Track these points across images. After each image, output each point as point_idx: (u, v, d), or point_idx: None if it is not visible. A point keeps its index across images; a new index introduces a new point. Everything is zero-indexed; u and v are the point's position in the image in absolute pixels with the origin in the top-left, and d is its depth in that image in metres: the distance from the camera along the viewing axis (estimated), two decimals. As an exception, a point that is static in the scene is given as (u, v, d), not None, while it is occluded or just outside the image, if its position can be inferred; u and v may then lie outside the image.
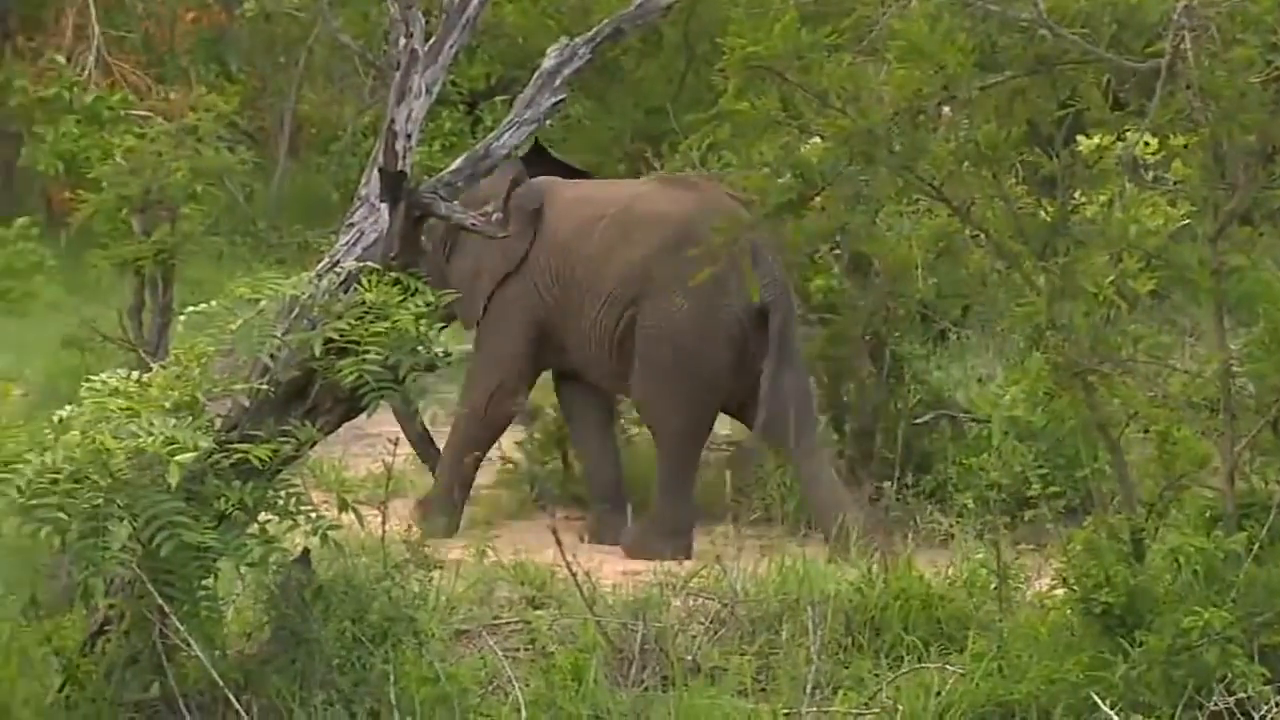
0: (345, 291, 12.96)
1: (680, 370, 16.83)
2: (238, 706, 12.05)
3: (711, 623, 14.59)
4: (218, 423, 12.42)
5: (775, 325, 16.27)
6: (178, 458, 11.69)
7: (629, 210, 17.53)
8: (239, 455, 12.32)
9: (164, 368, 12.82)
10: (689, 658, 13.86)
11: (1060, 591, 14.05)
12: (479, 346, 19.14)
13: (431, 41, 13.90)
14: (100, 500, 11.85)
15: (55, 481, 11.81)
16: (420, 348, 12.85)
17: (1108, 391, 14.28)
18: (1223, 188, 14.02)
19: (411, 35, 13.79)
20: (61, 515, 11.76)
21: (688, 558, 18.44)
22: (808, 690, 13.30)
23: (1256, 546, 13.04)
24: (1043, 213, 14.90)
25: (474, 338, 19.14)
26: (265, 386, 12.70)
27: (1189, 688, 12.57)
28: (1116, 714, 12.26)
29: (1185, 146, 14.47)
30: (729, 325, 15.40)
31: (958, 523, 15.70)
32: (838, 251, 17.06)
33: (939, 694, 13.45)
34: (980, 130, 14.97)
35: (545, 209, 18.55)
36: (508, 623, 14.38)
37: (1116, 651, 13.00)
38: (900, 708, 13.18)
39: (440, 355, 13.34)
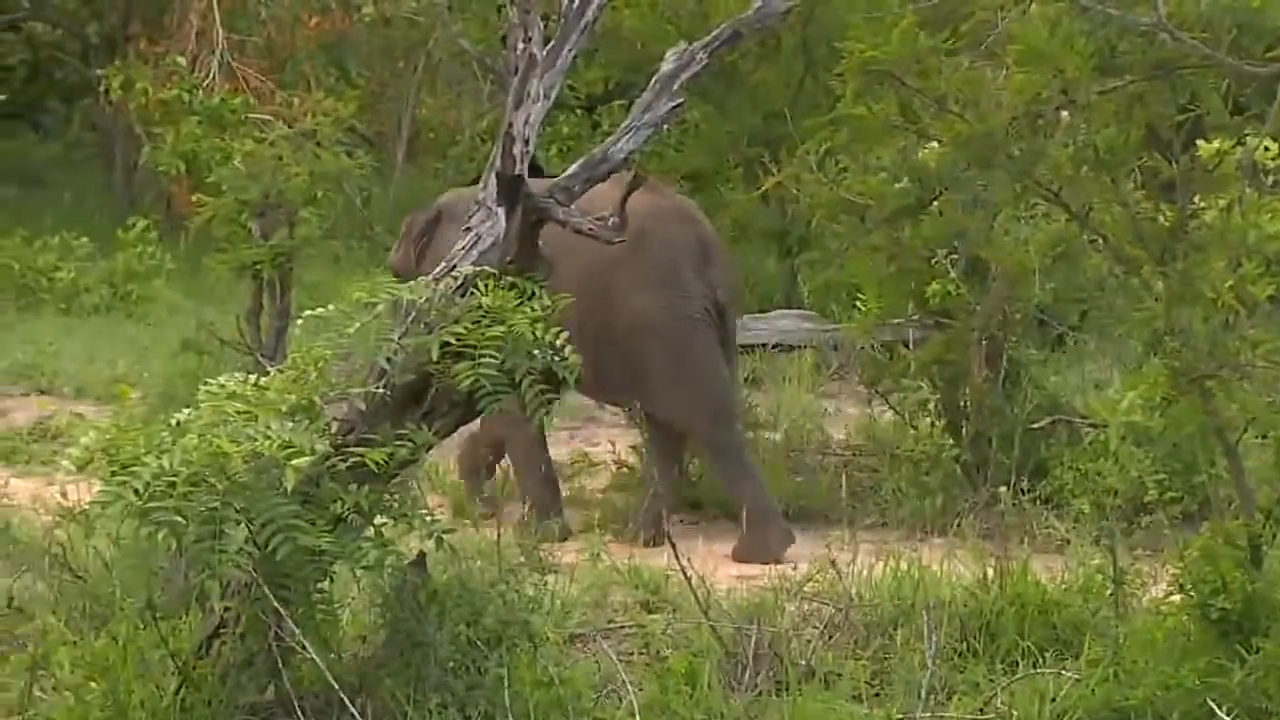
0: (462, 296, 12.90)
1: (672, 363, 16.83)
2: (352, 710, 12.05)
3: (826, 627, 14.57)
4: (334, 426, 12.39)
5: (729, 323, 16.25)
6: (294, 461, 11.69)
7: (589, 211, 17.58)
8: (355, 459, 12.26)
9: (281, 372, 12.81)
10: (803, 662, 13.85)
11: (1177, 597, 14.01)
12: None
13: (550, 46, 13.83)
14: (217, 503, 11.80)
15: (173, 485, 11.75)
16: (536, 352, 12.84)
17: (1226, 397, 14.18)
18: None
19: (530, 40, 13.69)
20: (178, 518, 11.77)
21: (790, 540, 18.57)
22: (922, 695, 13.29)
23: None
24: (1161, 218, 14.81)
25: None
26: (381, 390, 12.71)
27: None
28: (1234, 719, 12.25)
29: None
30: (700, 315, 15.41)
31: (1074, 528, 15.68)
32: (955, 256, 17.03)
33: (1054, 700, 13.43)
34: (1099, 135, 14.92)
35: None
36: (622, 627, 14.38)
37: (1233, 658, 12.97)
38: (1015, 713, 13.17)
39: (559, 360, 13.35)
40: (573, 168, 14.26)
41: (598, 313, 16.79)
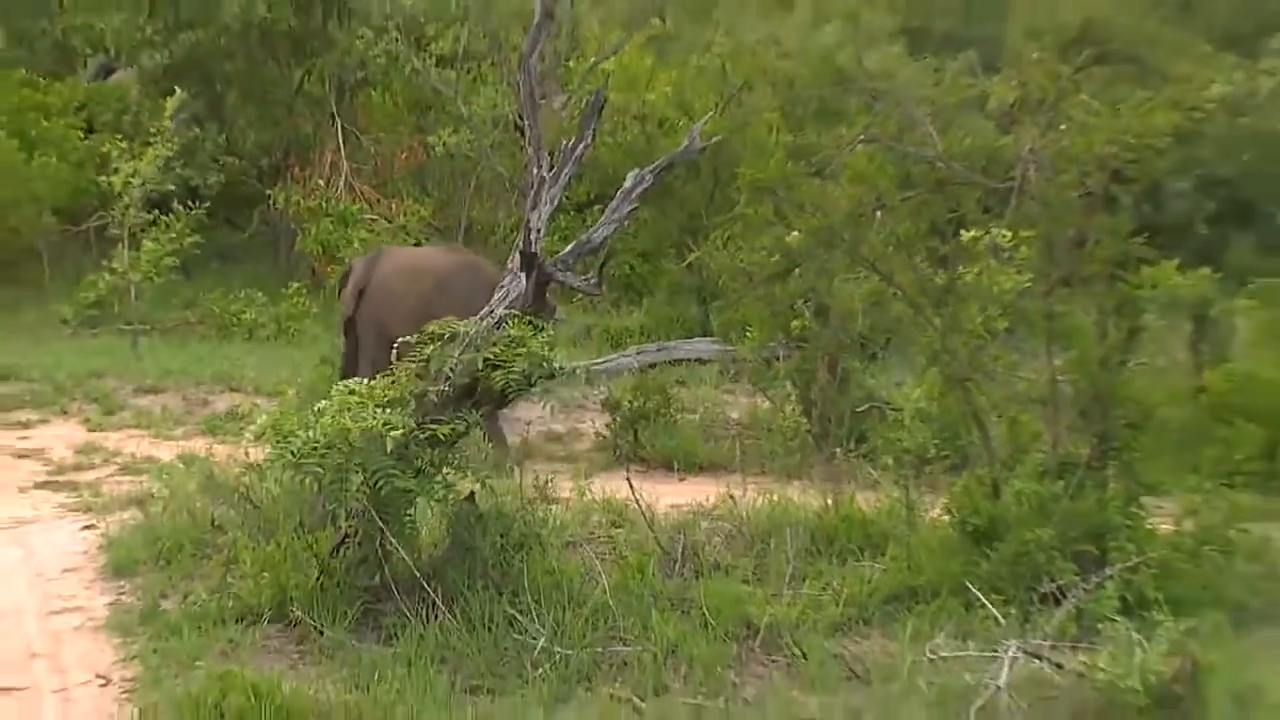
0: (498, 328, 13.40)
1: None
2: (427, 589, 12.29)
3: (726, 537, 14.66)
4: (417, 411, 12.71)
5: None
6: (392, 433, 12.22)
7: (412, 264, 17.91)
8: (430, 432, 12.76)
9: (383, 378, 13.14)
10: (712, 559, 13.94)
11: (946, 518, 14.20)
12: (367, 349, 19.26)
13: (553, 171, 14.22)
14: (342, 460, 12.29)
15: (315, 449, 12.30)
16: (544, 364, 13.10)
17: (978, 392, 14.54)
18: (1051, 263, 14.28)
19: (540, 168, 14.20)
20: (319, 469, 12.26)
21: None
22: (787, 579, 13.37)
23: (1070, 490, 13.21)
24: (938, 279, 15.12)
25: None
26: (445, 389, 12.95)
27: (1027, 578, 12.68)
28: (981, 594, 12.38)
29: (1028, 237, 14.67)
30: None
31: (882, 475, 15.73)
32: (808, 303, 17.10)
33: (869, 581, 13.55)
34: (900, 227, 15.38)
35: (378, 263, 18.77)
36: (598, 538, 14.44)
37: (981, 557, 13.18)
38: (845, 590, 13.23)
39: (559, 369, 13.61)
40: (568, 248, 14.79)
41: (425, 322, 17.10)
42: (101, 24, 29.62)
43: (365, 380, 13.17)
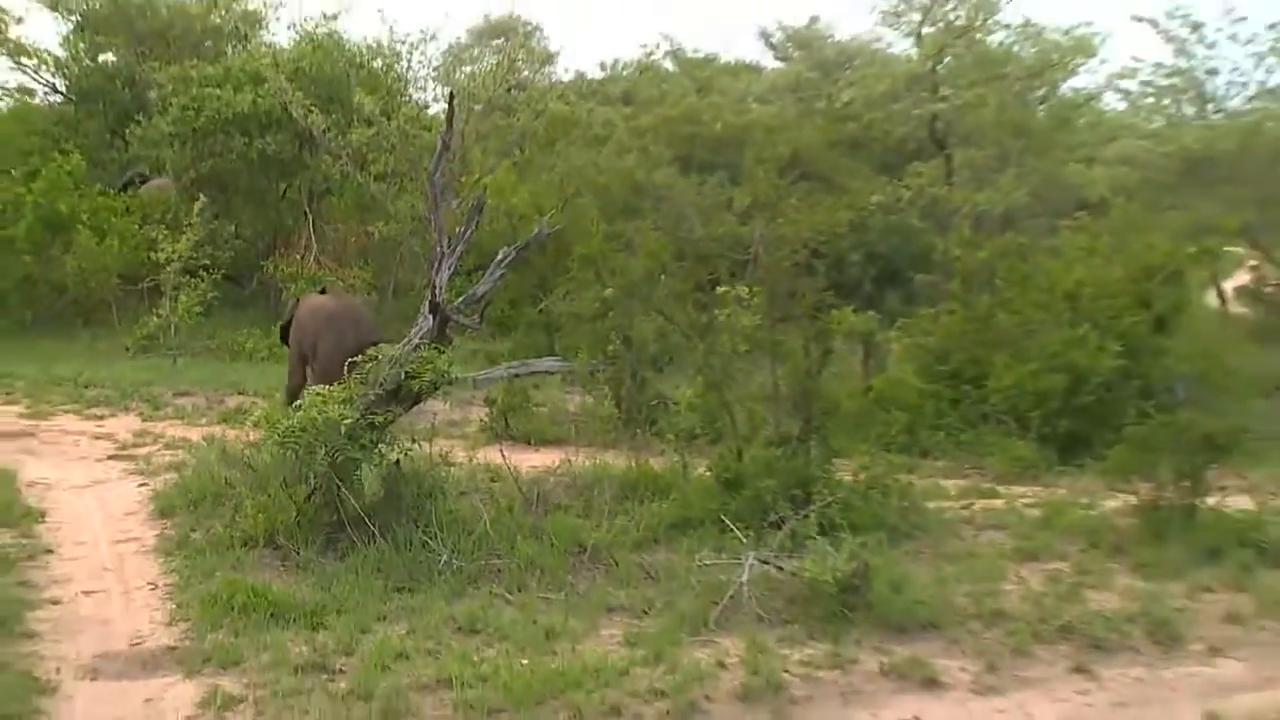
0: (414, 351, 13.30)
1: (330, 365, 16.80)
2: (369, 524, 12.15)
3: (566, 488, 14.54)
4: (362, 407, 12.64)
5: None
6: (344, 422, 12.22)
7: (316, 308, 17.80)
8: (370, 420, 12.66)
9: (339, 386, 13.17)
10: (556, 502, 13.85)
11: (708, 473, 14.17)
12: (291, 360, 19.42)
13: (450, 248, 14.14)
14: (311, 439, 12.24)
15: (294, 432, 12.29)
16: (445, 375, 13.08)
17: (728, 391, 14.60)
18: (774, 308, 14.39)
19: (442, 246, 14.13)
20: (296, 445, 12.30)
21: None
22: (605, 514, 13.34)
23: (787, 455, 13.46)
24: (702, 319, 15.20)
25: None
26: (380, 391, 12.93)
27: (759, 513, 12.71)
28: (731, 524, 12.39)
29: (759, 291, 14.79)
30: (351, 351, 15.40)
31: (666, 446, 15.65)
32: (618, 335, 17.00)
33: (658, 515, 13.54)
34: (676, 285, 15.51)
35: (299, 306, 18.90)
36: (481, 489, 14.29)
37: (730, 498, 13.21)
38: (643, 521, 13.24)
39: (455, 378, 13.57)
40: (460, 299, 14.79)
41: (316, 344, 16.93)
42: (158, 154, 29.50)
43: (310, 385, 13.38)
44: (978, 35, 29.06)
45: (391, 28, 33.51)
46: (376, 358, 13.42)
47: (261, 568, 11.93)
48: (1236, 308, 28.97)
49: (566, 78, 34.58)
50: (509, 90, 31.10)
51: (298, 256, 29.66)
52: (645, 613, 11.14)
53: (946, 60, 28.36)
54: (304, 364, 18.66)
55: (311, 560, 12.07)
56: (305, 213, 29.72)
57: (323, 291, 20.08)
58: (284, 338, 19.46)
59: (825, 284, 15.75)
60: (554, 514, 13.74)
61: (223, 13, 33.11)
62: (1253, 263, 28.99)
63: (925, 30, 29.08)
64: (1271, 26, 28.88)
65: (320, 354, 17.83)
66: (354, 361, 14.80)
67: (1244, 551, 12.79)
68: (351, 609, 10.89)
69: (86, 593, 11.60)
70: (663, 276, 17.11)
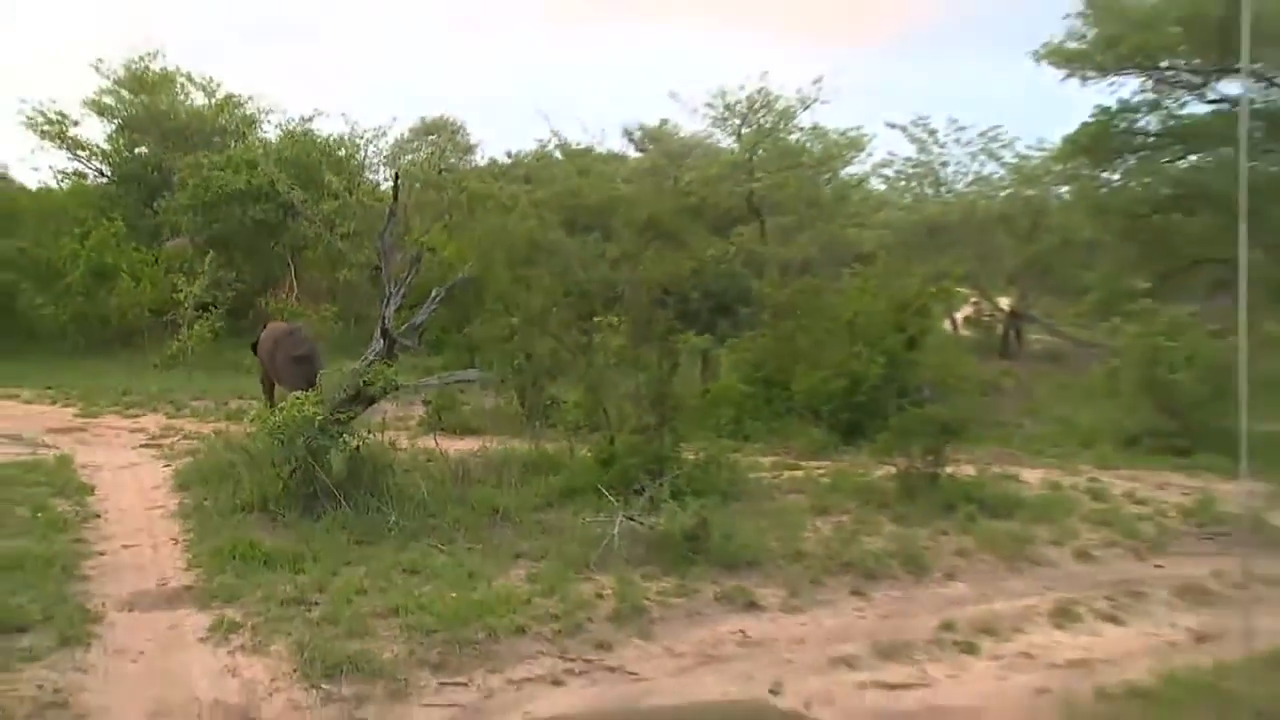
0: (368, 366, 13.07)
1: (279, 371, 16.58)
2: (336, 494, 11.99)
3: (476, 466, 14.34)
4: (329, 406, 12.45)
5: (311, 362, 15.91)
6: (317, 419, 12.04)
7: (270, 331, 17.61)
8: (337, 417, 12.44)
9: (313, 391, 12.96)
10: (476, 477, 13.75)
11: (590, 454, 14.10)
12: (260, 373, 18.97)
13: (396, 289, 13.93)
14: (293, 431, 12.03)
15: (279, 425, 12.11)
16: (393, 383, 12.93)
17: (605, 394, 14.57)
18: (636, 332, 14.27)
19: (389, 288, 13.86)
20: (282, 436, 12.09)
21: None
22: (513, 487, 13.28)
23: (647, 440, 13.37)
24: (584, 340, 15.07)
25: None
26: (344, 395, 12.73)
27: (627, 483, 12.65)
28: (607, 492, 12.41)
29: (624, 320, 14.69)
30: (290, 360, 15.18)
31: (558, 434, 15.53)
32: (523, 352, 16.89)
33: (553, 485, 13.51)
34: (566, 315, 15.38)
35: (264, 331, 18.65)
36: (421, 467, 14.10)
37: (606, 472, 13.12)
38: (540, 490, 13.22)
39: (401, 385, 13.40)
40: (404, 327, 14.56)
41: (273, 355, 16.69)
42: (178, 220, 29.33)
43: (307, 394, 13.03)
44: (781, 135, 29.35)
45: (353, 126, 33.02)
46: (343, 372, 13.35)
47: (256, 528, 11.73)
48: (964, 331, 29.42)
49: (483, 163, 34.41)
50: (439, 172, 31.44)
51: (283, 296, 29.45)
52: (542, 557, 11.11)
53: (759, 152, 28.56)
54: (264, 378, 18.36)
55: (293, 521, 11.90)
56: (288, 263, 29.52)
57: (281, 319, 19.79)
58: (255, 350, 19.12)
59: (673, 315, 15.94)
60: (475, 486, 13.67)
61: (227, 116, 33.04)
62: (974, 299, 29.52)
63: (744, 131, 29.31)
64: (982, 134, 29.65)
65: (275, 363, 17.42)
66: (299, 366, 14.99)
67: (970, 505, 13.08)
68: (323, 557, 10.80)
69: (126, 547, 11.51)
70: (554, 310, 17.03)
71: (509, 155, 34.29)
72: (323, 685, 8.03)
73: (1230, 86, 23.87)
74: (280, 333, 18.08)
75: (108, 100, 32.27)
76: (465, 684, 8.24)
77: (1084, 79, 24.85)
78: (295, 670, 8.27)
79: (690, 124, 30.62)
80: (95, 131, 32.47)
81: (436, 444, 14.87)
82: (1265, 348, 18.89)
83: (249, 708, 7.73)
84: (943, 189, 30.43)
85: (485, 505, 12.78)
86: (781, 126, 29.25)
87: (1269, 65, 23.06)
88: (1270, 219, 22.14)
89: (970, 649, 9.10)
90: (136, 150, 32.13)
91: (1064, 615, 9.90)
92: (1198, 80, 24.29)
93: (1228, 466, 14.89)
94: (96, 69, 32.29)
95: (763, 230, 27.25)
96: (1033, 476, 15.12)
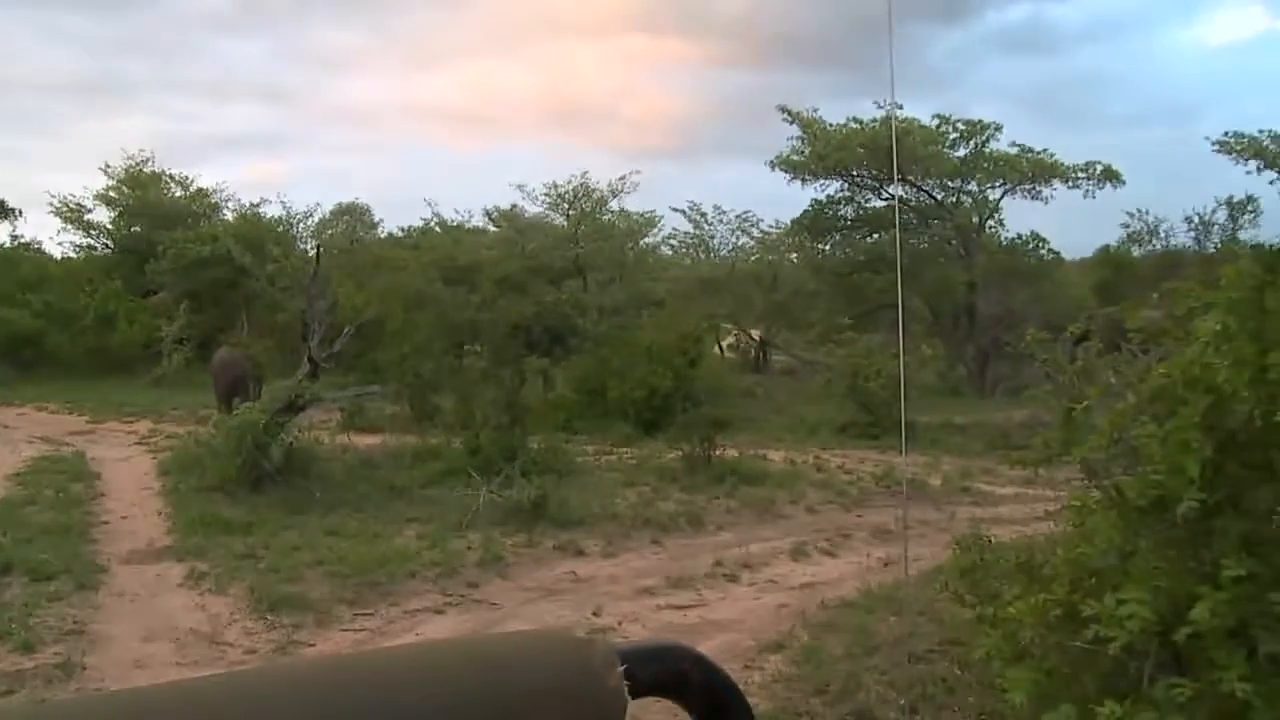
0: (299, 383, 12.65)
1: (220, 385, 16.00)
2: (276, 478, 11.65)
3: (385, 455, 14.06)
4: (270, 411, 12.03)
5: (243, 380, 15.39)
6: (262, 420, 11.61)
7: (218, 356, 16.88)
8: (277, 420, 12.05)
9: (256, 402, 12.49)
10: (378, 464, 13.46)
11: (462, 445, 13.78)
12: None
13: (319, 325, 13.55)
14: (245, 430, 11.61)
15: (236, 427, 11.77)
16: (316, 394, 12.62)
17: (472, 402, 14.24)
18: (494, 357, 14.09)
19: (313, 325, 13.43)
20: (237, 434, 11.69)
21: None
22: (405, 466, 13.08)
23: (501, 433, 13.16)
24: (458, 364, 14.77)
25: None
26: (281, 404, 12.36)
27: (489, 466, 12.45)
28: (475, 473, 12.12)
29: (487, 348, 14.45)
30: (229, 378, 14.85)
31: (439, 431, 15.24)
32: (412, 372, 16.66)
33: (439, 469, 13.30)
34: (444, 346, 14.93)
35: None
36: (341, 456, 13.72)
37: (474, 458, 12.79)
38: (427, 472, 12.91)
39: (321, 397, 13.08)
40: (325, 354, 13.98)
41: (218, 374, 16.11)
42: (162, 279, 28.84)
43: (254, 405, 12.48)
44: (598, 215, 29.52)
45: (288, 209, 32.61)
46: (281, 388, 12.86)
47: (218, 503, 11.25)
48: (728, 354, 29.94)
49: (384, 234, 33.99)
50: (353, 243, 31.12)
51: (239, 333, 28.71)
52: (428, 522, 10.93)
53: (582, 227, 28.63)
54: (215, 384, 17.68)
55: (245, 498, 11.49)
56: (242, 309, 28.75)
57: (231, 347, 18.84)
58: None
59: (521, 344, 15.86)
60: (378, 470, 13.40)
61: (198, 204, 33.01)
62: (735, 331, 30.08)
63: (570, 212, 29.42)
64: (739, 216, 30.20)
65: (219, 379, 16.74)
66: (234, 383, 14.57)
67: (733, 477, 13.18)
68: (267, 523, 10.51)
69: (123, 517, 11.08)
70: (435, 341, 16.87)
71: (402, 230, 33.80)
72: (268, 616, 7.93)
73: (895, 189, 25.14)
74: (222, 358, 17.39)
75: (112, 194, 32.11)
76: (372, 614, 8.15)
77: (803, 181, 25.76)
78: (248, 606, 8.14)
79: (532, 207, 30.27)
80: (102, 215, 32.75)
81: (350, 440, 14.53)
82: (924, 365, 19.79)
83: (215, 633, 7.63)
84: (711, 254, 31.00)
85: (385, 484, 12.55)
86: (598, 209, 29.42)
87: (916, 176, 24.41)
88: (924, 278, 23.37)
89: (734, 579, 9.28)
90: (132, 229, 31.78)
91: (798, 553, 10.16)
92: (876, 184, 25.53)
93: (903, 446, 15.48)
94: (104, 171, 32.04)
95: (585, 283, 27.22)
96: (776, 456, 15.33)
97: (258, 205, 32.77)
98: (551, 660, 0.84)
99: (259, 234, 29.99)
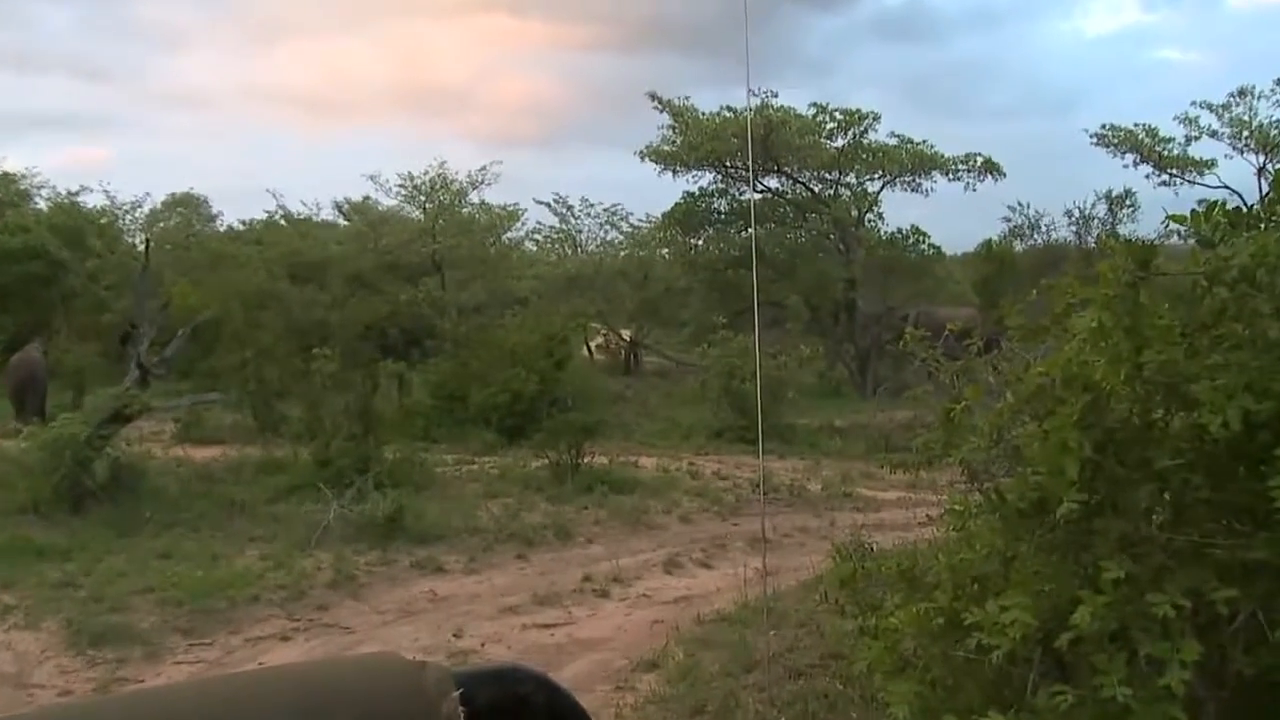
0: (127, 391, 12.18)
1: (12, 385, 15.66)
2: (99, 493, 11.12)
3: (225, 469, 13.53)
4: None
5: (32, 383, 14.94)
6: (84, 434, 11.08)
7: (14, 358, 16.57)
8: (101, 432, 11.53)
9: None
10: (219, 478, 12.98)
11: (311, 456, 13.42)
12: None
13: (149, 328, 12.98)
14: (65, 444, 11.00)
15: (49, 441, 11.02)
16: (145, 403, 12.08)
17: (321, 409, 13.78)
18: (345, 359, 13.74)
19: (145, 328, 12.87)
20: (53, 449, 10.99)
21: None
22: (247, 481, 12.65)
23: (358, 445, 12.87)
24: (305, 367, 14.33)
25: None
26: (105, 415, 11.74)
27: (340, 482, 12.14)
28: (325, 486, 11.84)
29: (337, 350, 14.09)
30: (22, 379, 14.47)
31: (285, 442, 14.76)
32: (254, 378, 16.10)
33: (275, 485, 12.89)
34: (290, 348, 14.53)
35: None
36: (176, 469, 13.21)
37: (324, 470, 12.48)
38: (271, 486, 12.51)
39: (151, 405, 12.53)
40: (155, 359, 13.45)
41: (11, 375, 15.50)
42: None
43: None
44: (457, 208, 29.16)
45: (113, 199, 31.06)
46: (109, 394, 12.29)
47: (29, 526, 10.65)
48: (596, 355, 29.95)
49: (223, 228, 32.89)
50: (188, 237, 30.00)
51: (56, 335, 27.23)
52: (273, 540, 10.61)
53: (440, 223, 28.24)
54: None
55: (63, 520, 10.90)
56: (60, 308, 27.22)
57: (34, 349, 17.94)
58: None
59: (375, 347, 15.48)
60: (217, 484, 12.89)
61: (3, 190, 30.57)
62: (603, 331, 30.08)
63: (427, 205, 28.99)
64: (606, 209, 30.21)
65: (8, 383, 15.98)
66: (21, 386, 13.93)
67: (602, 487, 13.13)
68: (89, 548, 10.02)
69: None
70: (280, 344, 16.36)
71: (243, 223, 32.68)
72: (88, 652, 7.53)
73: (770, 181, 25.40)
74: (16, 359, 16.52)
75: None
76: (209, 644, 7.88)
77: (675, 172, 25.79)
78: (64, 641, 7.70)
79: (386, 199, 29.70)
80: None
81: (186, 453, 13.98)
82: (803, 365, 20.12)
83: (21, 674, 7.19)
84: (578, 250, 30.92)
85: (226, 500, 12.06)
86: (457, 202, 29.02)
87: (792, 167, 24.80)
88: (802, 274, 23.76)
89: (604, 594, 9.28)
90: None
91: (672, 565, 10.23)
92: (749, 176, 25.74)
93: (780, 450, 15.74)
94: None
95: (444, 281, 26.88)
96: (648, 462, 15.36)
97: (76, 194, 30.78)
98: (382, 686, 0.83)
99: (78, 225, 28.17)
